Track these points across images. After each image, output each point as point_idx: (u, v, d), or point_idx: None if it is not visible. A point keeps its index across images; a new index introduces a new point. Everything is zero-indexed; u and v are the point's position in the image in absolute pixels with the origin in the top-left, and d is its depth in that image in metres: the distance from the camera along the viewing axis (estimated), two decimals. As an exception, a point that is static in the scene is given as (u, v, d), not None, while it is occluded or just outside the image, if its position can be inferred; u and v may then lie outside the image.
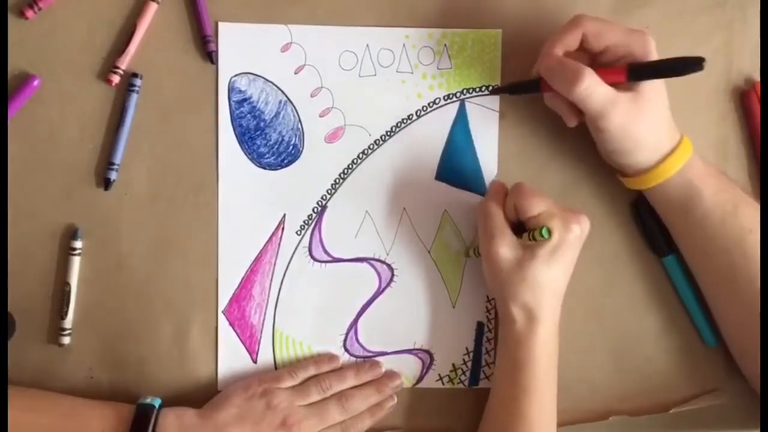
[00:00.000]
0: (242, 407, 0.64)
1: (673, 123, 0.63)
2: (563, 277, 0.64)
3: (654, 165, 0.63)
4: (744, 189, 0.66)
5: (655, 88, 0.61)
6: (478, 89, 0.68)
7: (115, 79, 0.65)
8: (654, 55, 0.61)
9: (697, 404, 0.69)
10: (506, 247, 0.62)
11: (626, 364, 0.70)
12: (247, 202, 0.68)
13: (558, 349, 0.64)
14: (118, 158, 0.66)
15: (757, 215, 0.63)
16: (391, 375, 0.69)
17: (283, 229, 0.68)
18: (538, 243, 0.61)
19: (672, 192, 0.63)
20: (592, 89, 0.59)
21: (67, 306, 0.66)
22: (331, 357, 0.69)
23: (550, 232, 0.61)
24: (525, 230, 0.63)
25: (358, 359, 0.69)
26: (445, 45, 0.68)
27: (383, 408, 0.68)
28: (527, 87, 0.66)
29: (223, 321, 0.68)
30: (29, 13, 0.64)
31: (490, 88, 0.68)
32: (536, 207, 0.62)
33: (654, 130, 0.62)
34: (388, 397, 0.68)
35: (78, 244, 0.66)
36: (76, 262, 0.66)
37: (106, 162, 0.66)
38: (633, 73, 0.60)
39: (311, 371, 0.68)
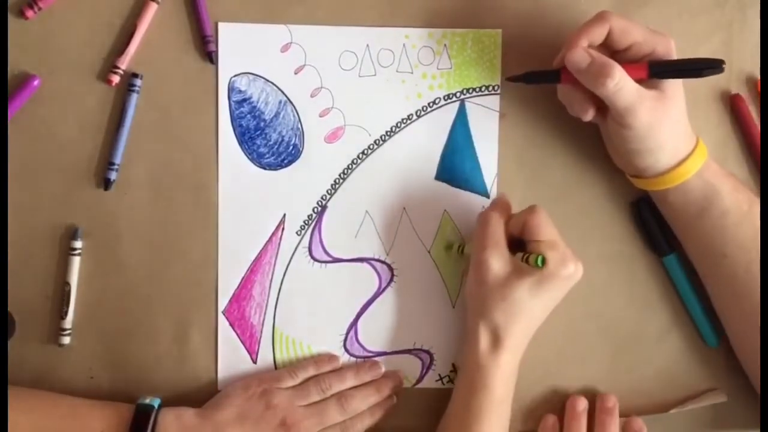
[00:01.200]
0: (242, 407, 0.64)
1: (689, 125, 0.63)
2: (543, 310, 0.63)
3: (674, 166, 0.62)
4: (746, 188, 0.66)
5: (677, 89, 0.61)
6: (478, 89, 0.68)
7: (115, 79, 0.65)
8: (674, 58, 0.61)
9: (697, 404, 0.69)
10: (497, 260, 0.62)
11: (626, 364, 0.70)
12: (247, 202, 0.68)
13: (515, 381, 0.64)
14: (118, 158, 0.66)
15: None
16: (391, 375, 0.69)
17: (283, 229, 0.68)
18: (529, 269, 0.61)
19: (689, 193, 0.63)
20: (623, 85, 0.58)
21: (67, 306, 0.66)
22: (331, 357, 0.69)
23: (544, 262, 0.60)
24: (522, 250, 0.63)
25: (358, 359, 0.69)
26: (445, 45, 0.68)
27: (383, 408, 0.68)
28: (546, 77, 0.64)
29: (223, 321, 0.68)
30: (29, 13, 0.64)
31: (501, 80, 0.68)
32: (544, 233, 0.62)
33: (676, 130, 0.62)
34: (388, 398, 0.68)
35: (78, 244, 0.66)
36: (76, 262, 0.66)
37: (106, 162, 0.66)
38: (653, 70, 0.60)
39: (311, 371, 0.68)
